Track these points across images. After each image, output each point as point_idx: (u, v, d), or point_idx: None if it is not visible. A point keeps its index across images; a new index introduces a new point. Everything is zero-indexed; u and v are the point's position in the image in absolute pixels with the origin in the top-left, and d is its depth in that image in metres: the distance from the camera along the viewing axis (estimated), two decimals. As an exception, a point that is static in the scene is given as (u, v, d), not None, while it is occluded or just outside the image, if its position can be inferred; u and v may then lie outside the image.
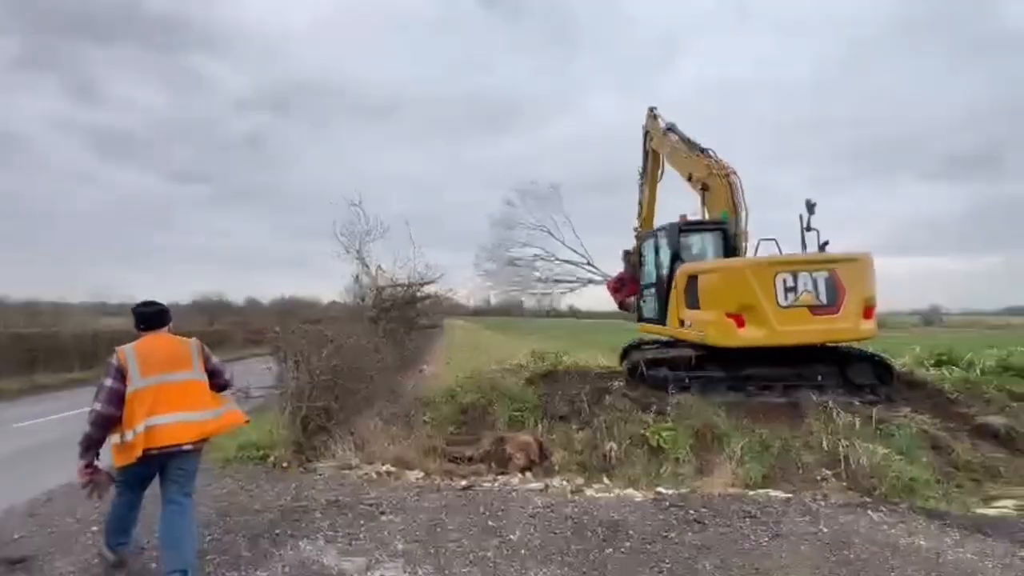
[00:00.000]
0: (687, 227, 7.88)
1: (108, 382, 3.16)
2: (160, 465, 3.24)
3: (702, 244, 7.90)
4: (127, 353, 3.23)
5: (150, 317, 3.53)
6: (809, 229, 7.12)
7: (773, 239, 7.48)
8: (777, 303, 6.37)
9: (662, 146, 9.39)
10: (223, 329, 26.78)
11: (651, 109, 9.75)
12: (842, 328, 6.43)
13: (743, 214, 7.71)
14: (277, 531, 3.95)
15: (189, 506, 3.32)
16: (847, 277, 6.42)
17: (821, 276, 6.39)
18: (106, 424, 3.17)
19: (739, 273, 6.62)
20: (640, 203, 10.31)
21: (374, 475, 5.35)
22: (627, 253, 9.70)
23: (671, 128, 9.19)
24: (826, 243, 7.10)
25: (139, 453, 3.01)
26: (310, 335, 7.38)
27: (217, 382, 3.55)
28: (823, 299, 6.37)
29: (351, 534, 3.90)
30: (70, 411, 9.62)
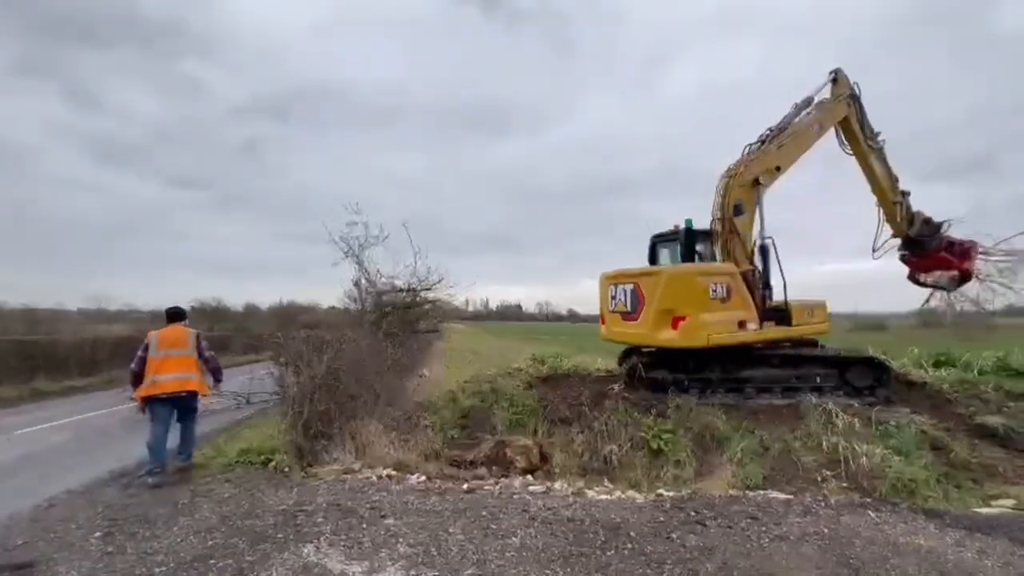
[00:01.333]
0: (657, 238, 8.23)
1: (139, 351, 5.64)
2: (172, 406, 5.65)
3: (667, 253, 8.11)
4: (152, 335, 5.75)
5: (171, 314, 6.13)
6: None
7: (770, 238, 7.52)
8: (610, 308, 7.78)
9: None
10: (222, 335, 26.70)
11: (834, 72, 8.00)
12: (640, 333, 7.27)
13: (756, 219, 7.65)
14: (279, 535, 3.96)
15: (191, 426, 6.03)
16: (647, 290, 7.11)
17: (628, 288, 7.41)
18: (134, 376, 5.63)
19: (600, 283, 8.11)
20: (868, 181, 8.35)
21: (375, 479, 5.36)
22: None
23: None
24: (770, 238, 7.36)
25: (147, 394, 5.50)
26: (310, 340, 7.41)
27: (206, 362, 6.02)
28: (628, 308, 7.39)
29: (353, 537, 3.91)
30: (69, 418, 9.61)
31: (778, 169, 7.45)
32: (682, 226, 7.72)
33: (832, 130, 7.99)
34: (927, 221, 8.27)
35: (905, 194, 8.24)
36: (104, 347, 17.10)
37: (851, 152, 8.12)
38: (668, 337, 6.83)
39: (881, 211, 8.30)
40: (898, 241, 8.57)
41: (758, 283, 7.26)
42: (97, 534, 4.08)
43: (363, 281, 11.00)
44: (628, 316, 7.39)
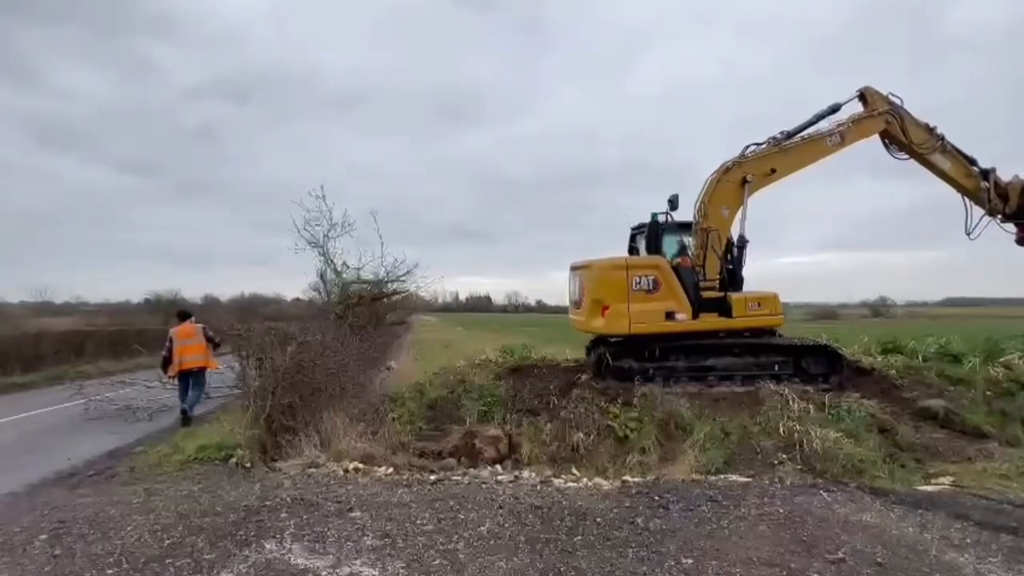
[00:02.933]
0: (636, 229, 8.45)
1: (167, 343, 8.48)
2: (188, 377, 8.39)
3: (643, 244, 8.23)
4: (172, 331, 8.60)
5: (181, 314, 9.23)
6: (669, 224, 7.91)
7: (747, 241, 7.79)
8: (569, 296, 8.40)
9: None
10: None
11: (863, 91, 7.93)
12: (582, 320, 7.82)
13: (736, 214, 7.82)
14: (241, 532, 3.85)
15: (199, 391, 8.48)
16: (586, 281, 7.69)
17: (577, 279, 8.02)
18: (165, 360, 8.53)
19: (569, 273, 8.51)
20: (940, 177, 8.16)
21: (341, 472, 5.28)
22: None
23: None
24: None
25: (177, 370, 8.35)
26: (273, 333, 7.21)
27: (212, 341, 8.73)
28: (576, 297, 8.04)
29: (319, 532, 3.84)
30: (9, 417, 9.06)
31: (773, 171, 7.54)
32: (661, 219, 7.90)
33: (865, 140, 7.77)
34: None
35: (988, 173, 7.85)
36: (49, 341, 16.16)
37: (906, 157, 7.98)
38: (598, 325, 7.39)
39: (964, 199, 8.01)
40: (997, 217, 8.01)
41: (698, 276, 7.41)
42: (43, 536, 3.87)
43: (328, 272, 10.77)
44: (576, 305, 8.06)
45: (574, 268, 8.19)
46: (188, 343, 8.45)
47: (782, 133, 7.63)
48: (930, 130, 7.82)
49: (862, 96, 7.77)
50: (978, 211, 7.99)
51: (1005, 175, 7.95)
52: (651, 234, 7.84)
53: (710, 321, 7.37)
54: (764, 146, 7.63)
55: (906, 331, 11.20)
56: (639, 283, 7.11)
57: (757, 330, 7.77)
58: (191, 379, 8.41)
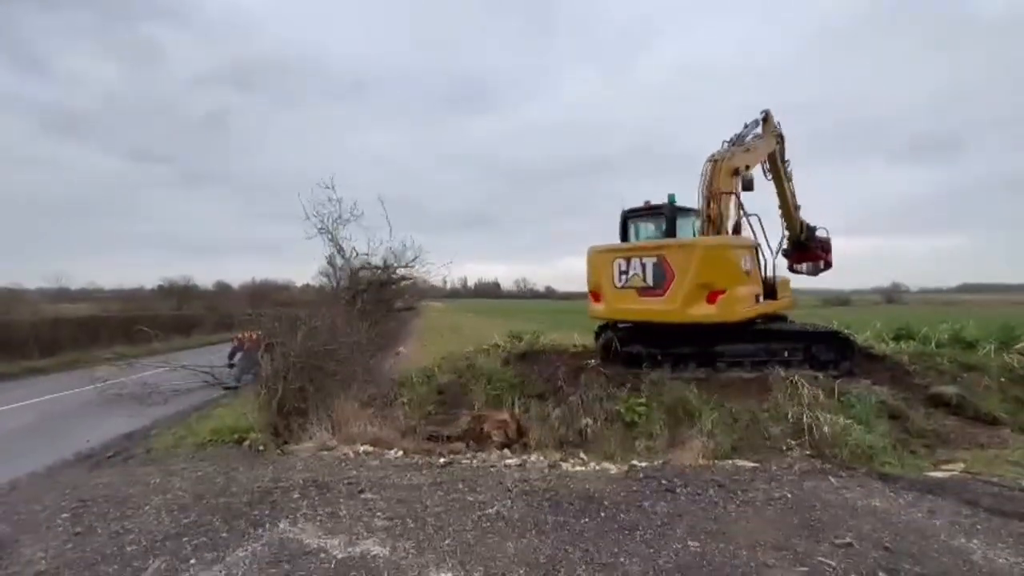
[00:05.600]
0: (630, 213, 8.19)
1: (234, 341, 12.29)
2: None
3: (646, 228, 8.12)
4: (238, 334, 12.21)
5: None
6: (746, 216, 7.53)
7: (756, 215, 7.68)
8: (614, 284, 7.30)
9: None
10: (192, 314, 26.03)
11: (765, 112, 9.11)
12: (665, 310, 6.87)
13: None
14: (255, 512, 3.94)
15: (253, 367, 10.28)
16: (676, 263, 6.80)
17: (650, 261, 7.03)
18: (232, 352, 12.16)
19: (592, 258, 7.71)
20: (780, 197, 9.67)
21: (352, 455, 5.36)
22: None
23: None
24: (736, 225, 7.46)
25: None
26: (284, 318, 7.29)
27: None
28: (650, 282, 6.99)
29: (331, 512, 3.91)
30: (29, 400, 9.29)
31: (747, 168, 7.86)
32: (653, 202, 7.80)
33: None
34: (811, 228, 9.99)
35: (799, 208, 9.70)
36: (66, 327, 16.48)
37: (771, 179, 9.27)
38: (704, 312, 6.63)
39: (785, 223, 9.57)
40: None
41: (763, 258, 7.50)
42: (65, 515, 3.99)
43: (337, 258, 10.81)
44: (649, 291, 6.96)
45: (633, 249, 7.29)
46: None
47: (735, 136, 8.40)
48: (786, 161, 9.37)
49: (765, 118, 8.80)
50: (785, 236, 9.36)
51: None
52: (670, 216, 7.72)
53: (769, 304, 7.40)
54: (733, 145, 8.14)
55: (919, 317, 11.08)
56: (744, 265, 6.83)
57: (771, 316, 7.72)
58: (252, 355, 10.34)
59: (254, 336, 10.41)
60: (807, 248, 10.02)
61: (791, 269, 10.30)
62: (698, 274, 6.59)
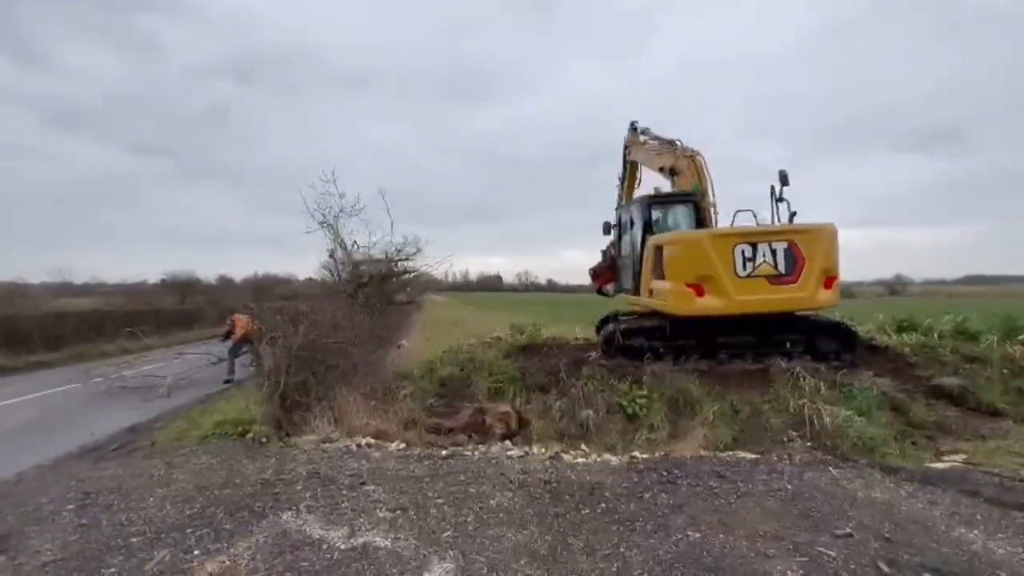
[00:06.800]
0: (656, 199, 8.05)
1: (229, 322, 11.50)
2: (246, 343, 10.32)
3: (674, 216, 8.04)
4: (232, 317, 11.49)
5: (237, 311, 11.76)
6: (780, 200, 7.26)
7: (750, 210, 7.61)
8: (735, 273, 6.58)
9: (639, 154, 9.65)
10: (194, 308, 26.12)
11: (633, 123, 9.94)
12: (799, 297, 6.61)
13: (709, 188, 7.94)
14: (258, 503, 3.97)
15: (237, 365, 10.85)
16: (807, 248, 6.60)
17: (780, 247, 6.58)
18: (227, 333, 11.49)
19: (698, 244, 6.73)
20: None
21: (355, 447, 5.39)
22: (606, 250, 10.11)
23: (645, 132, 9.50)
24: (794, 214, 7.27)
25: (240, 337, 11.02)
26: (286, 311, 7.30)
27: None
28: (781, 269, 6.58)
29: (333, 504, 3.94)
30: (35, 394, 9.36)
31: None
32: (662, 191, 7.89)
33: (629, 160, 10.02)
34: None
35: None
36: (70, 321, 16.55)
37: (622, 186, 10.17)
38: (826, 298, 6.62)
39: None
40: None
41: None
42: (70, 507, 4.03)
43: (339, 252, 10.79)
44: (780, 279, 6.60)
45: (759, 234, 6.77)
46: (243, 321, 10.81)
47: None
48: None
49: (633, 128, 9.78)
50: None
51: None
52: (700, 204, 7.80)
53: None
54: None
55: (922, 309, 11.04)
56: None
57: None
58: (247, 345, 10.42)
59: (250, 322, 10.02)
60: (611, 269, 10.13)
61: (599, 291, 10.30)
62: (824, 259, 6.57)
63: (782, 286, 6.57)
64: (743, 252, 6.59)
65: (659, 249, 7.22)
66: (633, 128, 9.95)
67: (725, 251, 6.59)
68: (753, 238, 6.65)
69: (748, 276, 6.58)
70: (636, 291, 8.15)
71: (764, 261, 6.58)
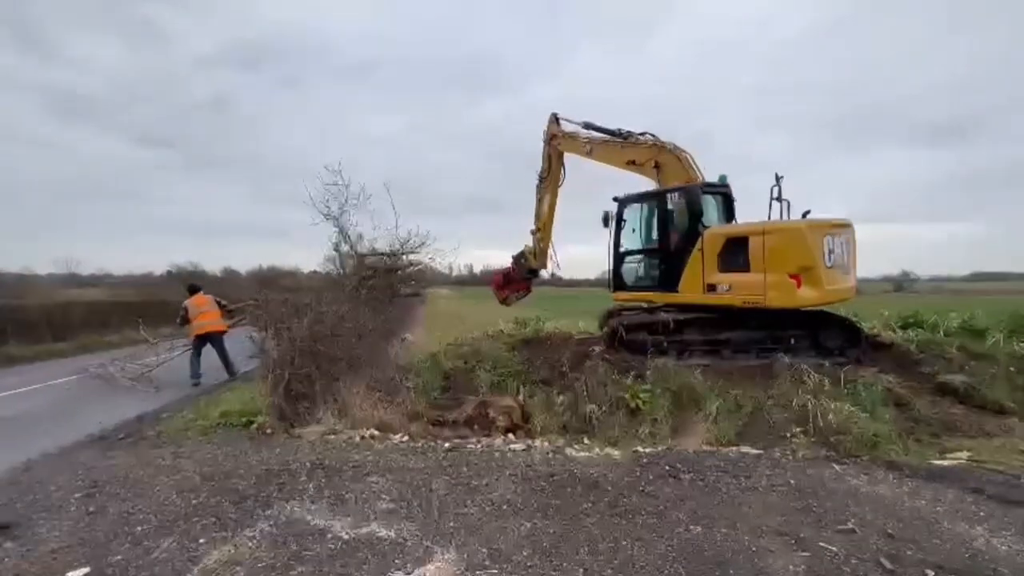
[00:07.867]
0: (707, 189, 7.60)
1: (181, 312, 9.54)
2: (208, 340, 9.44)
3: (711, 206, 7.73)
4: (186, 302, 9.56)
5: (191, 288, 10.01)
6: (779, 200, 7.22)
7: (787, 200, 7.54)
8: (825, 264, 6.57)
9: (576, 147, 9.10)
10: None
11: (554, 115, 9.47)
12: (850, 288, 7.03)
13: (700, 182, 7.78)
14: (263, 493, 4.01)
15: (225, 353, 9.51)
16: (849, 242, 7.02)
17: (843, 239, 6.83)
18: (182, 321, 9.56)
19: (800, 234, 6.58)
20: (539, 207, 9.91)
21: (359, 439, 5.42)
22: (519, 256, 10.27)
23: (589, 125, 8.95)
24: (807, 212, 7.19)
25: (196, 334, 9.37)
26: (290, 303, 7.33)
27: (224, 308, 9.84)
28: (845, 261, 6.92)
29: (337, 495, 3.98)
30: (43, 383, 9.45)
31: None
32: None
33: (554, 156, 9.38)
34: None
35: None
36: (77, 311, 16.67)
37: (544, 183, 9.61)
38: (852, 288, 7.10)
39: (538, 245, 9.86)
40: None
41: None
42: (77, 495, 4.08)
43: (343, 245, 10.81)
44: (844, 271, 6.88)
45: (834, 227, 6.80)
46: (203, 310, 9.51)
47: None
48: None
49: (556, 119, 9.30)
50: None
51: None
52: (730, 196, 7.80)
53: None
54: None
55: (929, 306, 10.95)
56: None
57: None
58: (210, 343, 9.49)
59: (205, 299, 9.58)
60: (524, 279, 10.41)
61: (503, 301, 10.58)
62: (854, 254, 7.01)
63: (845, 276, 6.92)
64: (828, 243, 6.63)
65: (735, 240, 7.00)
66: (556, 120, 9.41)
67: (819, 242, 6.55)
68: (833, 230, 6.74)
69: (832, 267, 6.67)
70: (666, 287, 7.67)
71: (838, 253, 6.76)
